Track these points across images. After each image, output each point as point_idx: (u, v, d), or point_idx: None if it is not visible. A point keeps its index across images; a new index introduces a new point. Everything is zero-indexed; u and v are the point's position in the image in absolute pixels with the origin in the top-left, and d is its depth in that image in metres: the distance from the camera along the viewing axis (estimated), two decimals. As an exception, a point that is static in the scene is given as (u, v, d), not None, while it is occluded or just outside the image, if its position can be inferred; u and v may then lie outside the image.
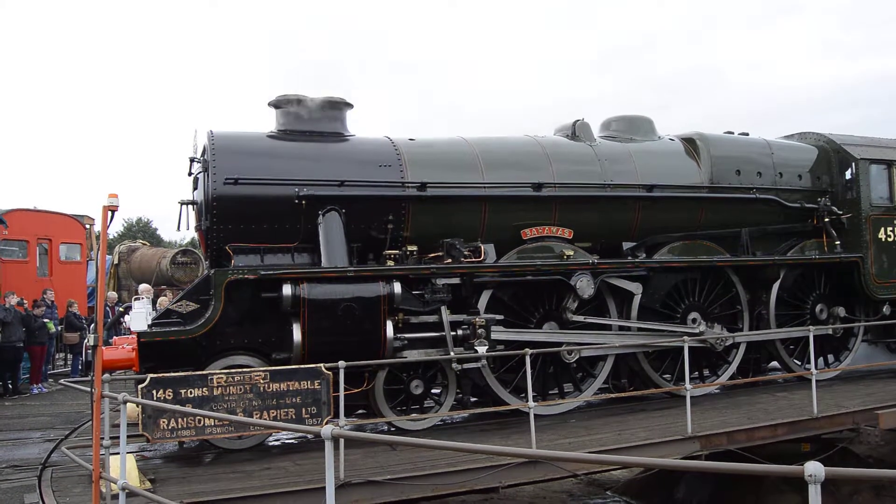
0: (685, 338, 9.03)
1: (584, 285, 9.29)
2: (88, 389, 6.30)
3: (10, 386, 14.13)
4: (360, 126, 12.15)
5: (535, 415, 7.66)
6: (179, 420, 6.70)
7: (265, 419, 6.95)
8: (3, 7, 67.64)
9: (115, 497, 5.53)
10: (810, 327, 9.97)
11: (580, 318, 9.57)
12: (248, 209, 8.48)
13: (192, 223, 9.18)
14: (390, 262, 8.70)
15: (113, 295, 17.91)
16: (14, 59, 74.82)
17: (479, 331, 8.48)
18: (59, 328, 15.92)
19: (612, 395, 10.20)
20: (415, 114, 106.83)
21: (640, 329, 9.99)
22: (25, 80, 78.75)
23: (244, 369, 7.37)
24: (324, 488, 4.06)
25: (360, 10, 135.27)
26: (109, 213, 5.89)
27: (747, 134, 11.92)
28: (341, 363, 7.10)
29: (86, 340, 14.43)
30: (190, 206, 9.11)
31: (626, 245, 10.25)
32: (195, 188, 9.10)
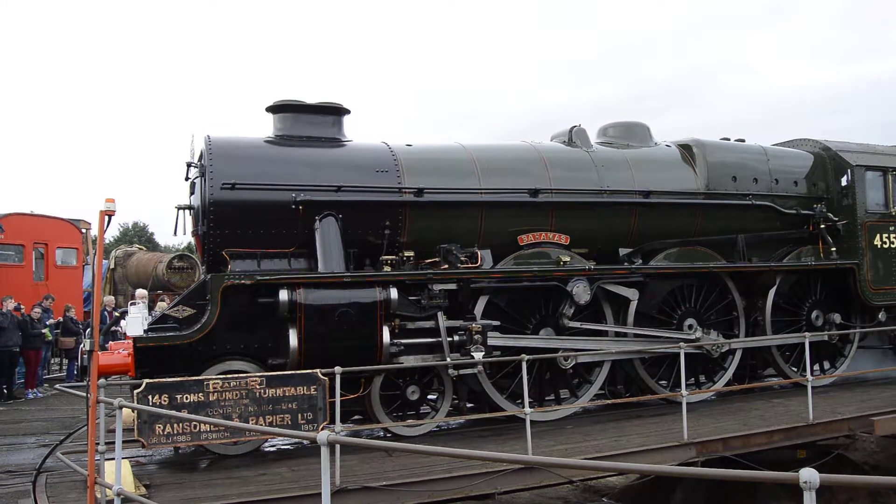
0: (681, 344, 9.05)
1: (581, 291, 9.30)
2: (84, 394, 6.29)
3: (4, 391, 14.09)
4: (358, 129, 12.18)
5: (531, 421, 7.64)
6: (175, 425, 6.68)
7: (261, 425, 6.94)
8: (3, 9, 67.67)
9: (111, 503, 5.51)
10: (806, 334, 9.98)
11: (577, 324, 9.57)
12: (244, 214, 8.47)
13: (189, 228, 9.17)
14: (387, 268, 8.70)
15: (110, 299, 17.86)
16: (12, 61, 74.85)
17: (476, 336, 8.47)
18: (56, 332, 15.88)
19: (609, 402, 10.20)
20: (414, 115, 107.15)
21: (636, 335, 10.00)
22: (23, 83, 78.80)
23: (240, 375, 7.35)
24: (319, 494, 4.05)
25: (359, 12, 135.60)
26: (106, 218, 5.89)
27: (743, 140, 11.97)
28: (338, 369, 7.09)
29: (81, 345, 14.41)
30: (187, 211, 9.11)
31: (623, 251, 10.26)
32: (192, 193, 9.09)
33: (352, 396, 8.15)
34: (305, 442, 8.16)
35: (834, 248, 11.42)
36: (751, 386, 10.95)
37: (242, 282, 7.93)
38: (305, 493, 6.47)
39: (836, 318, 11.60)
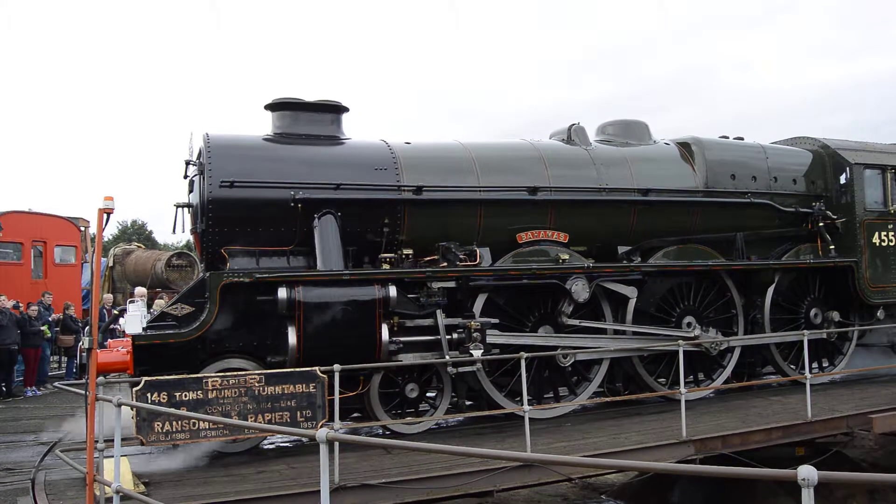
0: (680, 342, 9.05)
1: (580, 289, 9.30)
2: (83, 392, 6.29)
3: (3, 388, 14.08)
4: (358, 128, 12.17)
5: (530, 418, 7.66)
6: (174, 423, 6.68)
7: (260, 422, 6.95)
8: (2, 8, 67.57)
9: (109, 500, 5.51)
10: (805, 331, 10.00)
11: (575, 322, 9.58)
12: (243, 212, 8.46)
13: (188, 226, 9.17)
14: (386, 266, 8.70)
15: (109, 297, 17.86)
16: (11, 61, 74.70)
17: (475, 334, 8.48)
18: (56, 330, 15.88)
19: (608, 399, 10.22)
20: (414, 114, 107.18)
21: (635, 333, 10.01)
22: (22, 82, 78.65)
23: (239, 372, 7.35)
24: (318, 492, 4.05)
25: (359, 12, 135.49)
26: (105, 216, 5.88)
27: (742, 138, 11.97)
28: (336, 366, 7.09)
29: (80, 343, 14.42)
30: (185, 209, 9.10)
31: (622, 249, 10.27)
32: (191, 191, 9.08)
33: (351, 394, 8.16)
34: (304, 439, 8.17)
35: (832, 246, 11.43)
36: (749, 384, 10.96)
37: (241, 280, 7.93)
38: (304, 490, 6.47)
39: (835, 315, 11.62)
